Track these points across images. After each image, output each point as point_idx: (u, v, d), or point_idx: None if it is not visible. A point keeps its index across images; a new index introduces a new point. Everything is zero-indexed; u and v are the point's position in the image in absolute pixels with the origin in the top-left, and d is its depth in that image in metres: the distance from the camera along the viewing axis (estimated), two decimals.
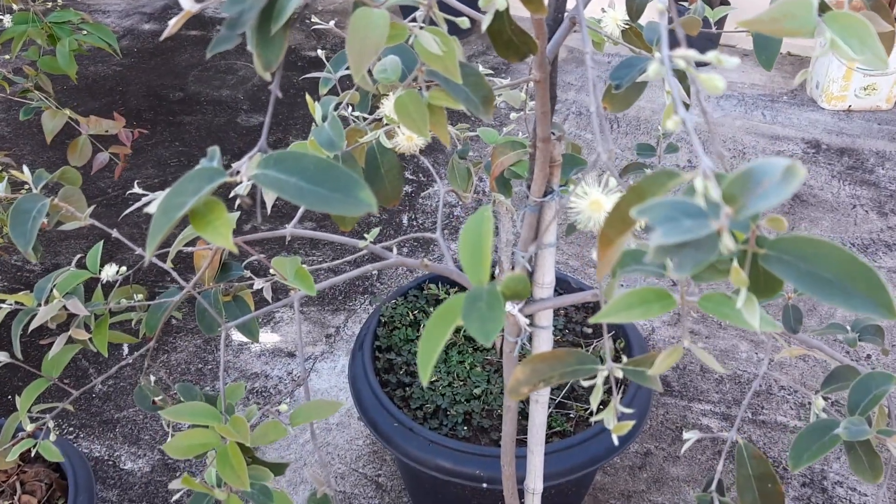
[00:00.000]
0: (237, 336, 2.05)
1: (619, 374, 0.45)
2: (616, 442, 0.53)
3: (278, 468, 0.69)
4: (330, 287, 2.19)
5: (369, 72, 0.53)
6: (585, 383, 0.43)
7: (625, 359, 0.49)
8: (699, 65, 0.29)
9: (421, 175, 2.62)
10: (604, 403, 1.37)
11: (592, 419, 0.50)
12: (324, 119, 0.54)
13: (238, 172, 0.34)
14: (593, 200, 0.41)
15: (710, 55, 0.27)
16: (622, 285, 2.16)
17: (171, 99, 3.10)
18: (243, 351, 2.01)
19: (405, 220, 2.43)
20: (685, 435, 0.56)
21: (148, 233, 0.35)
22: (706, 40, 3.20)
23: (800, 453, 0.54)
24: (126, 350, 1.99)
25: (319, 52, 0.75)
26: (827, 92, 2.86)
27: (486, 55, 3.34)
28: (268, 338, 2.06)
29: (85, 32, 1.34)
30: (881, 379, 0.55)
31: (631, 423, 0.46)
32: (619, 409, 0.46)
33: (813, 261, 0.30)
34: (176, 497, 0.74)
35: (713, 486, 0.54)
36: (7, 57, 1.34)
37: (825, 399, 0.64)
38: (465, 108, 0.44)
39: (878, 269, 2.21)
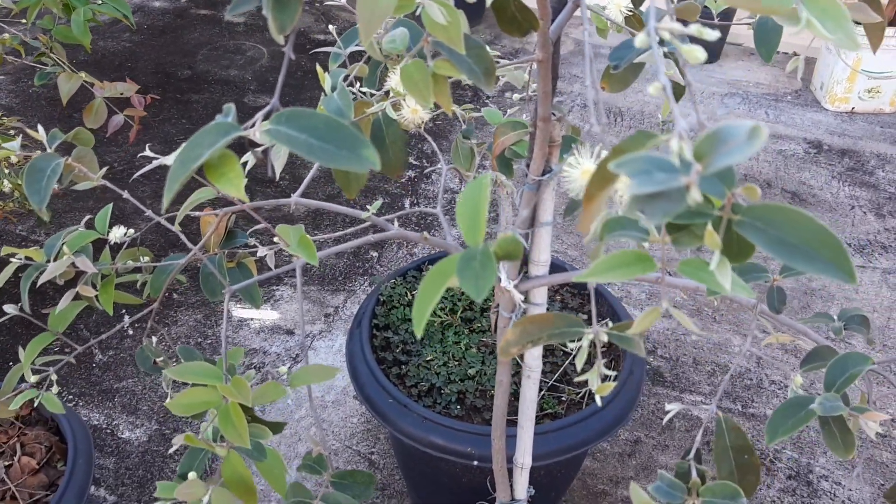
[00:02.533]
0: (237, 312, 2.08)
1: (605, 338, 0.47)
2: (599, 402, 0.56)
3: (276, 427, 0.71)
4: (331, 269, 2.22)
5: (380, 46, 0.55)
6: (571, 345, 0.46)
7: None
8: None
9: (424, 161, 2.64)
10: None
11: (577, 378, 0.53)
12: (333, 89, 0.56)
13: (252, 127, 0.36)
14: (585, 170, 0.43)
15: (692, 28, 0.29)
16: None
17: (179, 77, 3.11)
18: (242, 327, 2.04)
19: (407, 204, 2.45)
20: (668, 406, 0.58)
21: (165, 184, 0.37)
22: None
23: (776, 427, 0.56)
24: (127, 322, 2.02)
25: (331, 27, 0.77)
26: (831, 93, 2.88)
27: (494, 44, 3.36)
28: (267, 315, 2.08)
29: (100, 2, 1.35)
30: (858, 359, 0.57)
31: (612, 384, 0.49)
32: (602, 371, 0.48)
33: (782, 227, 0.32)
34: (173, 449, 0.76)
35: (691, 455, 0.57)
36: (23, 21, 1.36)
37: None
38: (467, 79, 0.47)
39: (874, 269, 2.24)
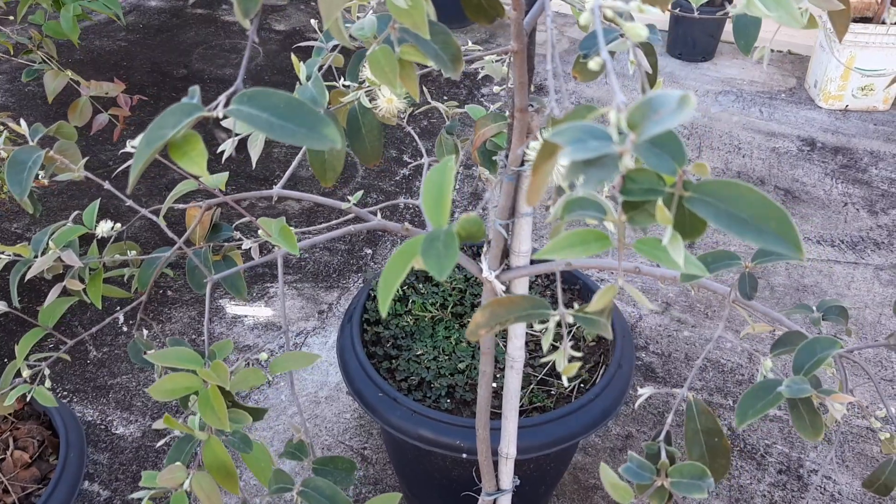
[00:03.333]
0: (231, 309, 2.09)
1: (570, 319, 0.48)
2: (566, 382, 0.57)
3: (256, 413, 0.72)
4: (325, 266, 2.22)
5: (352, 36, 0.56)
6: (538, 326, 0.47)
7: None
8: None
9: (419, 158, 2.65)
10: (594, 368, 1.40)
11: (544, 359, 0.54)
12: (308, 79, 0.57)
13: (216, 108, 0.37)
14: None
15: (633, 4, 0.30)
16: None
17: (174, 76, 3.12)
18: (236, 324, 2.05)
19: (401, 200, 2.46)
20: (639, 391, 0.59)
21: (131, 164, 0.38)
22: (709, 37, 3.22)
23: (745, 410, 0.57)
24: (121, 318, 2.03)
25: (312, 21, 0.78)
26: (824, 91, 2.89)
27: (489, 42, 3.37)
28: (261, 312, 2.09)
29: None
30: (826, 343, 0.58)
31: (577, 364, 0.50)
32: (569, 353, 0.49)
33: (731, 202, 0.33)
34: (163, 441, 0.77)
35: (661, 437, 0.58)
36: (11, 18, 1.37)
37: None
38: (434, 65, 0.47)
39: (866, 266, 2.25)
